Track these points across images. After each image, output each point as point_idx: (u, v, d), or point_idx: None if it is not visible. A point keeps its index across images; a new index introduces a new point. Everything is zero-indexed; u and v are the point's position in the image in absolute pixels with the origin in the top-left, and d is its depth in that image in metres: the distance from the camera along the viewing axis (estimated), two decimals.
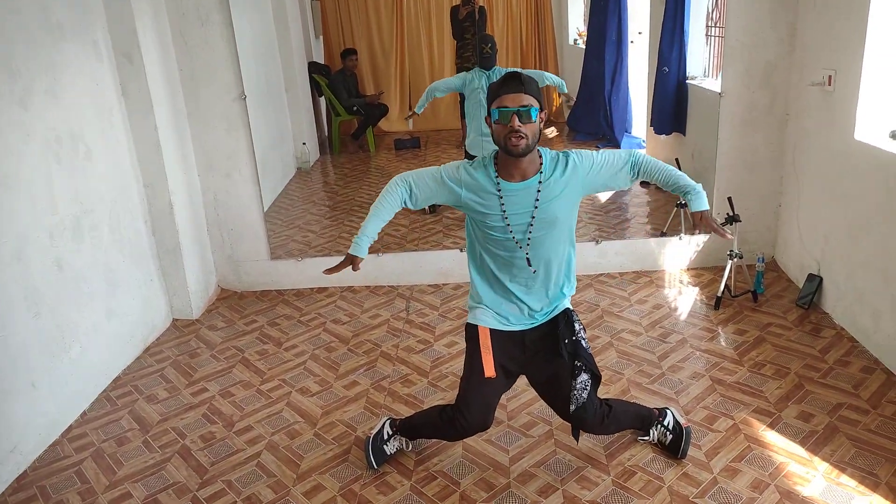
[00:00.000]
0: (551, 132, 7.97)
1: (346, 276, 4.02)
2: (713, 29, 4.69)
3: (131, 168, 3.40)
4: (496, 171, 2.07)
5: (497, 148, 2.06)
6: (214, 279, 4.02)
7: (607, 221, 4.66)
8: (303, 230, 4.88)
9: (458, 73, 7.15)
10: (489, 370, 2.16)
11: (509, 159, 2.03)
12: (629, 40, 6.46)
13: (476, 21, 6.84)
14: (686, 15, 4.96)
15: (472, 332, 2.25)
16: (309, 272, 4.02)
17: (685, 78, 5.13)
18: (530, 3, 8.24)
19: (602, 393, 2.79)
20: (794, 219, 3.59)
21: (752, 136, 3.71)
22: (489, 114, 2.01)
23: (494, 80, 4.75)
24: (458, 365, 3.08)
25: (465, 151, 5.43)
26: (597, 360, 3.08)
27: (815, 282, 3.35)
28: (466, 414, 2.19)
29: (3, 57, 2.56)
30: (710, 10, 4.75)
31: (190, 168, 3.76)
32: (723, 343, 3.14)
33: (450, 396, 2.86)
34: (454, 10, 6.97)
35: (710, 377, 2.87)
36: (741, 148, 3.74)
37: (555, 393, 2.22)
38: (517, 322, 2.24)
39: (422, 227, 4.80)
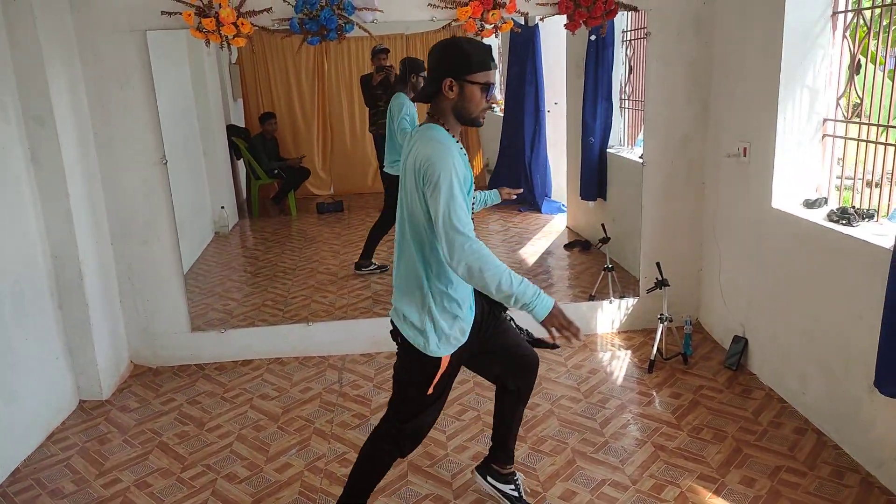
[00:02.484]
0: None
1: (274, 347, 3.84)
2: (626, 101, 4.93)
3: (38, 238, 3.13)
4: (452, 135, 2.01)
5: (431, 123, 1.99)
6: (126, 355, 3.71)
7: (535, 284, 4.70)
8: (223, 298, 4.65)
9: (374, 139, 7.19)
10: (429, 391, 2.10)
11: (459, 129, 2.01)
12: (546, 109, 6.74)
13: (388, 88, 6.93)
14: (610, 87, 5.23)
15: (436, 364, 2.05)
16: (232, 344, 3.80)
17: (607, 147, 5.37)
18: None
19: (548, 465, 2.73)
20: (717, 282, 3.73)
21: (672, 203, 3.88)
22: (470, 84, 1.92)
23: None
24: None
25: (385, 175, 5.37)
26: (539, 429, 3.03)
27: (740, 343, 3.47)
28: (419, 438, 2.19)
29: None
30: (623, 84, 5.01)
31: (102, 236, 3.51)
32: (660, 408, 3.16)
33: (392, 475, 2.71)
34: (365, 79, 7.04)
35: (652, 443, 2.87)
36: (663, 215, 3.89)
37: (511, 343, 2.28)
38: (474, 305, 2.15)
39: (350, 293, 4.68)
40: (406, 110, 4.92)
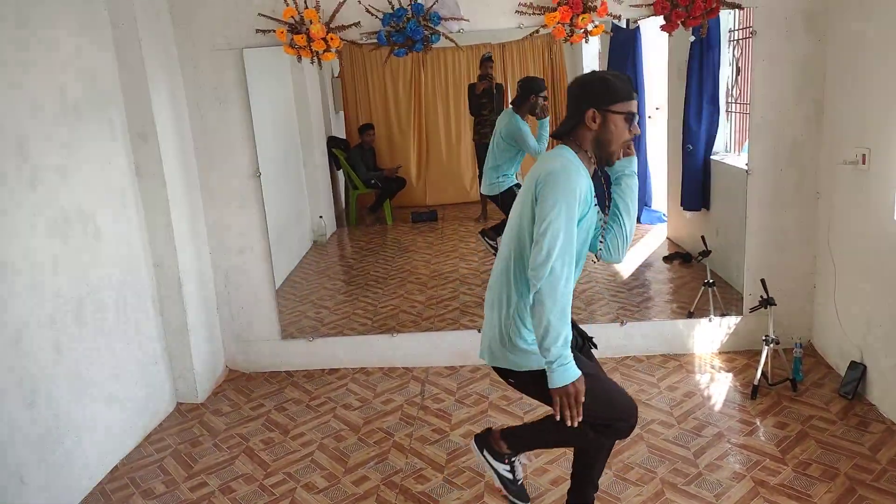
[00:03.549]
0: None
1: (360, 357, 3.88)
2: (733, 105, 4.63)
3: (141, 247, 3.32)
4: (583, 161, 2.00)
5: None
6: (222, 360, 3.87)
7: (630, 300, 4.49)
8: (316, 306, 4.75)
9: (476, 148, 7.17)
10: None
11: (592, 164, 2.01)
12: (647, 115, 6.45)
13: (493, 97, 6.88)
14: (716, 90, 4.93)
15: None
16: (320, 352, 3.87)
17: (711, 153, 5.06)
18: (547, 78, 8.35)
19: (634, 496, 2.57)
20: (832, 302, 3.40)
21: (781, 214, 3.58)
22: (613, 113, 1.92)
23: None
24: (474, 459, 2.88)
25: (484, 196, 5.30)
26: (625, 455, 2.86)
27: (858, 370, 3.13)
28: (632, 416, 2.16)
29: (14, 138, 2.52)
30: (730, 87, 4.70)
31: (201, 246, 3.68)
32: (763, 438, 2.90)
33: (467, 496, 2.64)
34: (471, 87, 7.03)
35: (751, 478, 2.63)
36: (770, 227, 3.59)
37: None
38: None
39: (438, 303, 4.65)
40: (511, 128, 4.80)
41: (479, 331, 3.84)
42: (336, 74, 8.67)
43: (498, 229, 5.18)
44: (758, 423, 3.03)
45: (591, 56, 7.95)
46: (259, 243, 3.77)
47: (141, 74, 3.19)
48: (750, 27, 3.54)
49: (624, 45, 6.32)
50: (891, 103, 2.80)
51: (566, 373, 1.87)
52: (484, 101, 6.93)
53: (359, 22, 3.39)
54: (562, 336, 1.85)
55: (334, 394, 3.58)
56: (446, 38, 3.46)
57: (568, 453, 2.87)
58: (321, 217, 6.76)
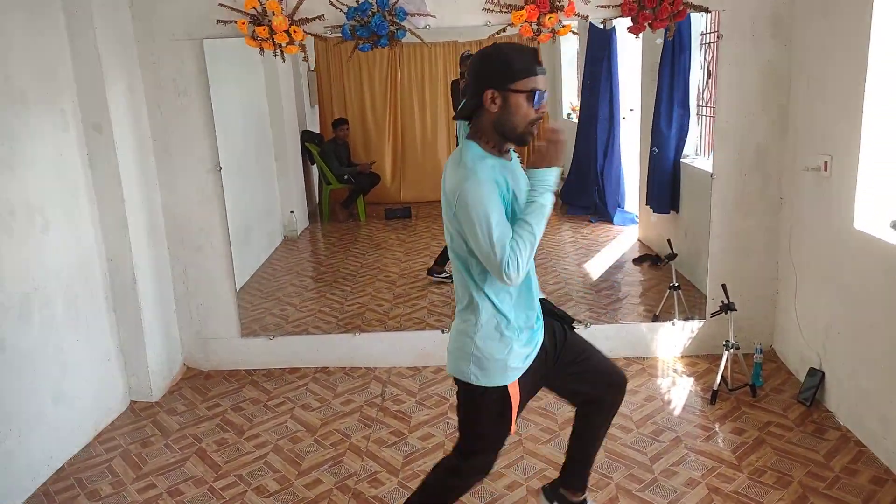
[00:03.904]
0: None
1: (321, 356, 3.82)
2: (704, 108, 4.63)
3: (94, 242, 3.23)
4: (488, 151, 1.85)
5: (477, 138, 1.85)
6: (180, 357, 3.79)
7: (598, 301, 4.47)
8: (282, 303, 4.68)
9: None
10: (513, 428, 1.99)
11: (503, 145, 1.86)
12: (621, 116, 6.45)
13: None
14: (686, 93, 4.93)
15: (496, 394, 1.92)
16: (281, 351, 3.80)
17: (681, 156, 5.06)
18: None
19: (588, 501, 2.54)
20: (793, 308, 3.40)
21: (745, 220, 3.58)
22: (514, 93, 1.76)
23: None
24: (433, 462, 2.83)
25: None
26: None
27: (816, 377, 3.14)
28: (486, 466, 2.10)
29: None
30: (702, 90, 4.70)
31: (158, 241, 3.59)
32: (720, 444, 2.90)
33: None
34: (454, 84, 6.95)
35: (706, 485, 2.62)
36: (734, 232, 3.59)
37: (587, 362, 2.12)
38: (538, 332, 2.00)
39: (406, 302, 4.60)
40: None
41: (445, 331, 3.83)
42: (312, 68, 8.56)
43: (442, 261, 5.15)
44: (716, 428, 3.03)
45: (570, 57, 7.94)
46: (219, 239, 3.69)
47: (95, 63, 3.10)
48: (716, 31, 3.53)
49: (600, 46, 6.33)
50: (852, 111, 2.80)
51: (546, 196, 1.80)
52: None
53: (323, 15, 3.32)
54: (530, 235, 1.75)
55: (293, 394, 3.52)
56: (413, 34, 3.41)
57: (526, 456, 2.84)
58: (292, 212, 6.68)
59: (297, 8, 3.30)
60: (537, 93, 1.78)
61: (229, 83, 4.90)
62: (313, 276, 5.56)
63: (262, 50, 3.40)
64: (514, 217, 1.82)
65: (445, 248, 5.52)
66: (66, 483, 2.81)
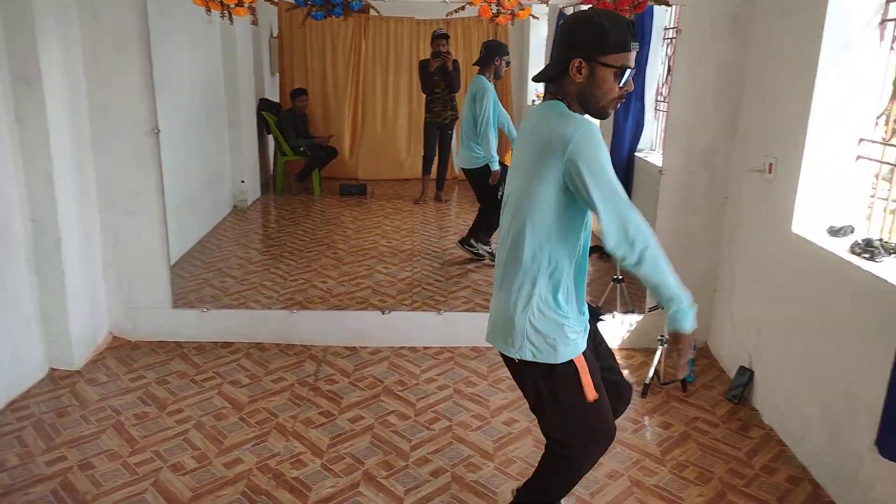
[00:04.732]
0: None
1: (256, 331, 3.72)
2: (662, 103, 4.63)
3: (17, 200, 3.06)
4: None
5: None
6: (106, 326, 3.64)
7: None
8: (222, 274, 4.55)
9: (426, 127, 6.96)
10: (593, 392, 1.87)
11: (583, 114, 1.77)
12: None
13: (449, 74, 6.69)
14: (643, 87, 4.92)
15: (568, 368, 1.84)
16: (214, 324, 3.69)
17: (636, 150, 5.07)
18: None
19: (509, 490, 2.53)
20: (728, 307, 3.44)
21: (690, 217, 3.59)
22: (602, 66, 1.66)
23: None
24: (359, 445, 2.79)
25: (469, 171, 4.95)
26: (511, 448, 2.82)
27: (745, 375, 3.18)
28: (609, 436, 1.99)
29: None
30: (661, 85, 4.70)
31: (88, 203, 3.43)
32: (647, 437, 2.92)
33: (342, 483, 2.55)
34: (424, 64, 6.79)
35: (629, 477, 2.63)
36: (679, 229, 3.60)
37: (604, 370, 2.01)
38: (585, 319, 1.94)
39: (351, 280, 4.52)
40: (492, 95, 4.60)
41: (384, 312, 3.77)
42: (274, 34, 8.32)
43: (475, 235, 4.97)
44: (644, 421, 3.05)
45: (539, 40, 7.87)
46: (154, 205, 3.54)
47: (25, 11, 2.91)
48: (677, 27, 3.51)
49: None
50: (798, 115, 2.81)
51: (692, 313, 1.74)
52: (437, 79, 6.73)
53: None
54: (673, 280, 1.72)
55: (223, 369, 3.42)
56: (370, 6, 3.30)
57: (455, 444, 2.81)
58: (243, 182, 6.50)
59: None
60: (627, 70, 1.69)
61: (180, 44, 4.70)
62: (259, 248, 5.42)
63: (208, 10, 3.25)
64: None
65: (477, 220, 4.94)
66: None
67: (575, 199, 1.71)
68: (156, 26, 3.40)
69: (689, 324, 1.74)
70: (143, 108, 3.41)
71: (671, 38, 4.26)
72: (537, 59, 7.82)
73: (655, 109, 4.99)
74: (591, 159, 1.64)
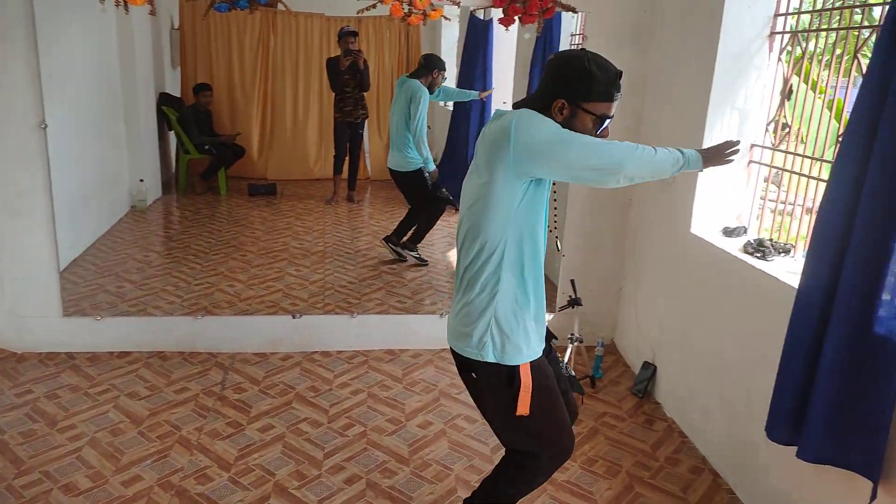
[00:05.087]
0: None
1: (157, 339, 3.53)
2: None
3: None
4: None
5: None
6: None
7: (451, 291, 4.47)
8: (120, 279, 4.29)
9: (336, 126, 6.83)
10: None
11: None
12: (493, 108, 6.53)
13: (361, 72, 6.58)
14: None
15: (526, 372, 1.85)
16: (110, 333, 3.47)
17: None
18: (402, 61, 8.19)
19: (426, 494, 2.52)
20: (633, 304, 3.57)
21: (597, 218, 3.70)
22: (584, 111, 1.71)
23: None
24: (269, 455, 2.70)
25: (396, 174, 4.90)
26: (426, 451, 2.81)
27: (649, 370, 3.31)
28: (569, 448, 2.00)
29: None
30: None
31: None
32: None
33: (252, 497, 2.45)
34: (332, 62, 6.63)
35: None
36: (587, 230, 3.71)
37: (561, 387, 2.03)
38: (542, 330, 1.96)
39: (261, 283, 4.37)
40: (427, 100, 4.71)
41: (295, 316, 3.67)
42: (176, 26, 7.94)
43: (400, 234, 4.96)
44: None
45: (451, 42, 7.91)
46: (41, 205, 3.29)
47: None
48: (583, 33, 3.60)
49: (478, 35, 6.34)
50: (696, 121, 2.94)
51: (695, 158, 1.80)
52: (346, 78, 6.60)
53: None
54: (666, 156, 1.75)
55: (120, 380, 3.22)
56: (271, 3, 3.19)
57: (370, 450, 2.77)
58: (142, 180, 6.16)
59: None
60: (607, 119, 1.74)
61: (70, 33, 4.39)
62: (160, 251, 5.15)
63: None
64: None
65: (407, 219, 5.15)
66: None
67: (531, 192, 1.74)
68: (43, 13, 3.15)
69: (699, 164, 1.82)
70: (28, 100, 3.16)
71: (578, 45, 4.37)
72: (448, 61, 7.86)
73: None
74: (535, 132, 1.67)
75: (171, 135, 7.25)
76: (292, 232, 5.78)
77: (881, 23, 1.76)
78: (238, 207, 6.71)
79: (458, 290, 1.88)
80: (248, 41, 7.86)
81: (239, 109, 8.03)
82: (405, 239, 4.94)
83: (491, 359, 1.83)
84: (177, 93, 7.66)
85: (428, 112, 8.39)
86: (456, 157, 6.63)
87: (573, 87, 1.71)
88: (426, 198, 4.87)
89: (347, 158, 6.98)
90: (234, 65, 7.89)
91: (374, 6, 3.30)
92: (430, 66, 4.76)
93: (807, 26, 2.63)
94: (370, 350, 3.68)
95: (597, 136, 1.76)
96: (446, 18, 3.49)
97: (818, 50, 2.81)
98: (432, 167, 4.76)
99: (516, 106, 1.82)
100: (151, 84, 6.63)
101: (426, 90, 4.74)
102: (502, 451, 2.80)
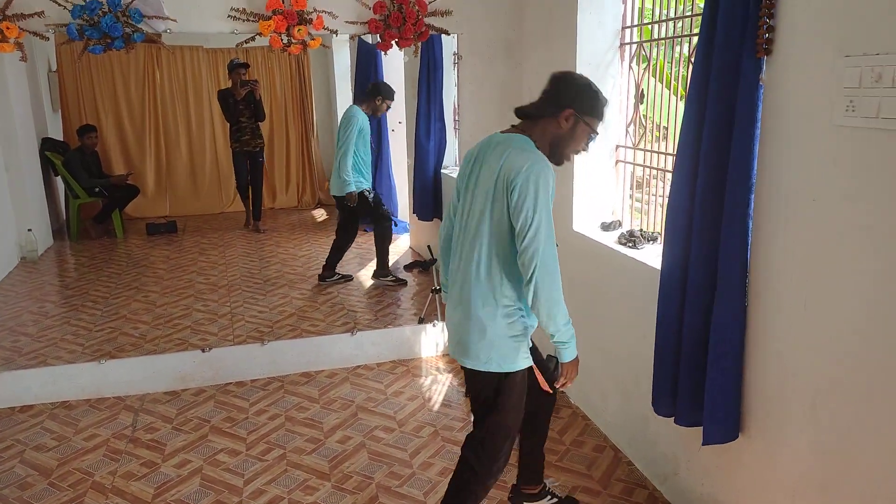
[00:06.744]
0: (321, 215, 7.88)
1: (60, 389, 3.44)
2: (459, 122, 4.97)
3: None
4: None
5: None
6: None
7: (369, 308, 4.58)
8: (14, 333, 4.13)
9: (234, 156, 6.77)
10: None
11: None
12: (390, 129, 6.68)
13: (256, 102, 6.56)
14: (441, 108, 5.24)
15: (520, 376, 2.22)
16: (8, 388, 3.35)
17: (441, 167, 5.38)
18: (294, 87, 8.22)
19: (343, 502, 2.60)
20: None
21: None
22: (585, 125, 1.98)
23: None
24: (187, 490, 2.70)
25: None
26: (346, 465, 2.88)
27: (552, 362, 3.51)
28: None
29: None
30: (457, 106, 5.04)
31: None
32: None
33: None
34: (224, 94, 6.58)
35: None
36: None
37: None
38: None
39: (167, 322, 4.31)
40: (359, 125, 4.78)
41: (205, 350, 3.66)
42: (53, 69, 7.65)
43: (332, 266, 5.12)
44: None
45: (343, 66, 8.02)
46: None
47: None
48: (456, 54, 3.82)
49: (368, 58, 6.49)
50: None
51: (573, 347, 2.13)
52: (241, 108, 6.57)
53: (43, 11, 3.00)
54: (566, 314, 2.02)
55: (23, 435, 3.12)
56: (151, 39, 3.22)
57: (291, 471, 2.82)
58: (30, 230, 5.92)
59: (9, 2, 2.95)
60: (595, 136, 2.03)
61: None
62: (56, 300, 4.96)
63: None
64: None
65: (331, 256, 5.16)
66: None
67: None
68: None
69: (568, 352, 2.25)
70: None
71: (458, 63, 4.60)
72: (343, 84, 7.98)
73: (455, 129, 5.35)
74: (531, 187, 1.88)
75: (59, 180, 6.98)
76: (197, 268, 5.70)
77: (699, 33, 2.02)
78: (137, 248, 6.53)
79: (461, 302, 2.12)
80: (133, 77, 7.68)
81: (130, 147, 7.83)
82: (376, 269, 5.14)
83: (495, 369, 2.18)
84: (60, 136, 7.38)
85: (324, 139, 8.45)
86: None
87: (583, 101, 1.97)
88: (374, 218, 5.04)
89: (250, 189, 6.94)
90: (121, 102, 7.70)
91: (252, 39, 3.38)
92: (373, 93, 4.87)
93: (650, 36, 2.94)
94: (285, 375, 3.72)
95: (583, 148, 2.06)
96: (325, 46, 3.61)
97: (663, 55, 3.12)
98: (352, 189, 4.77)
99: (520, 113, 2.05)
100: (32, 129, 6.38)
101: (362, 115, 4.80)
102: (421, 456, 2.93)
